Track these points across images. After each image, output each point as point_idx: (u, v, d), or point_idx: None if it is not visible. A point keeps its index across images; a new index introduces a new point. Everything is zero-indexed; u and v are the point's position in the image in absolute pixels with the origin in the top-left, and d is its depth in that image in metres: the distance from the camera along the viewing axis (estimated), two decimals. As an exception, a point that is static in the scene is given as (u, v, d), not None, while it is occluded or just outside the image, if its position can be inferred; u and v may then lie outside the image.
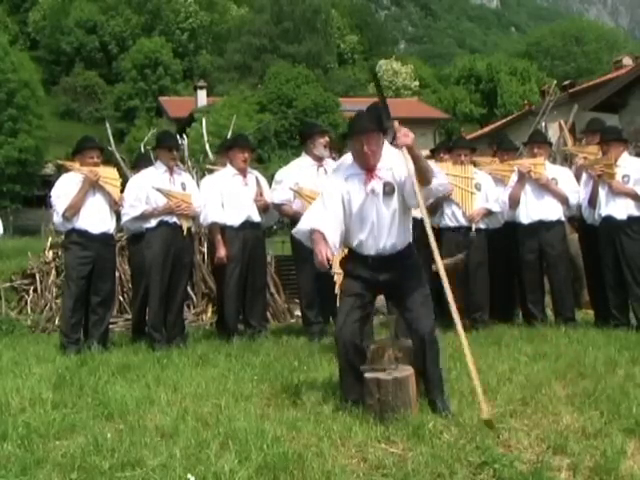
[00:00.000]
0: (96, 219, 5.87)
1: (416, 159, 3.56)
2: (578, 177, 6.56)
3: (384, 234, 3.69)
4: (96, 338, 5.81)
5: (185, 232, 6.06)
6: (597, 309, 6.52)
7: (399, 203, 3.71)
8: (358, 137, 3.67)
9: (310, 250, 5.88)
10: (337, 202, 3.74)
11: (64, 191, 5.88)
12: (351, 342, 3.69)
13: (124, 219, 6.20)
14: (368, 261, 3.74)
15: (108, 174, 6.01)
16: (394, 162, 3.70)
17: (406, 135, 3.53)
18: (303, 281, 6.32)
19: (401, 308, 3.78)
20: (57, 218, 5.88)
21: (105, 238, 5.95)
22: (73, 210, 5.81)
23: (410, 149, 3.55)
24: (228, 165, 6.51)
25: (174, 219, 6.01)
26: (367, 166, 3.71)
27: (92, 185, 5.87)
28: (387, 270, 3.73)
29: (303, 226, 3.81)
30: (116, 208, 6.05)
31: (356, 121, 3.76)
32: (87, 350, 5.58)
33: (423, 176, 3.59)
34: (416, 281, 3.75)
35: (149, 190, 5.99)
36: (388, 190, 3.67)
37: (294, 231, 3.90)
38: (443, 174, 3.76)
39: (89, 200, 5.87)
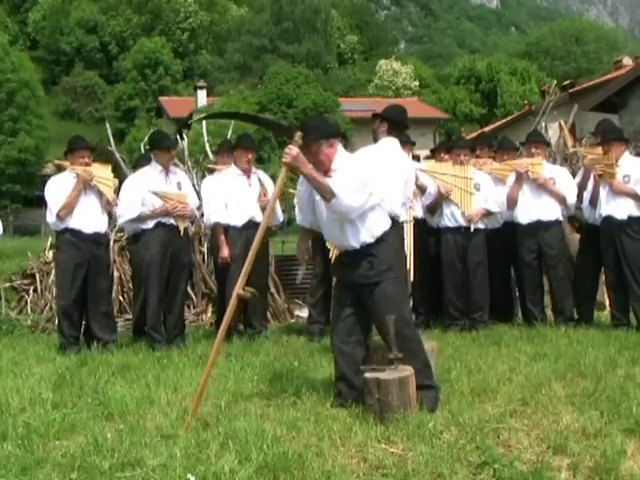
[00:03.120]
0: (89, 219, 5.87)
1: (306, 178, 3.71)
2: (587, 178, 6.48)
3: (337, 229, 3.79)
4: (110, 342, 5.85)
5: (182, 232, 6.06)
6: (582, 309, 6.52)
7: None
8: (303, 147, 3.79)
9: (319, 250, 5.94)
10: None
11: (58, 190, 5.88)
12: (340, 349, 3.81)
13: (120, 220, 6.21)
14: (340, 258, 3.90)
15: (101, 174, 6.00)
16: (342, 166, 3.76)
17: (287, 154, 3.62)
18: (313, 281, 6.44)
19: (371, 315, 3.80)
20: (51, 217, 5.87)
21: (98, 238, 5.96)
22: (67, 209, 5.80)
23: (294, 168, 3.65)
24: (232, 165, 6.52)
25: (171, 220, 6.00)
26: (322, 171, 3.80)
27: (86, 184, 5.86)
28: (356, 267, 3.77)
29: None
30: (109, 208, 6.05)
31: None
32: (87, 350, 5.59)
33: (320, 194, 3.71)
34: (386, 285, 3.75)
35: (145, 192, 5.98)
36: None
37: None
38: (349, 196, 3.67)
39: (82, 200, 5.87)
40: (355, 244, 3.76)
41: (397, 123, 4.74)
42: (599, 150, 6.46)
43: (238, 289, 3.70)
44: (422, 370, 3.69)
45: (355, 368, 3.73)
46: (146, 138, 10.00)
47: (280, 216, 6.80)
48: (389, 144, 4.71)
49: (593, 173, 6.31)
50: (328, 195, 3.64)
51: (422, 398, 3.57)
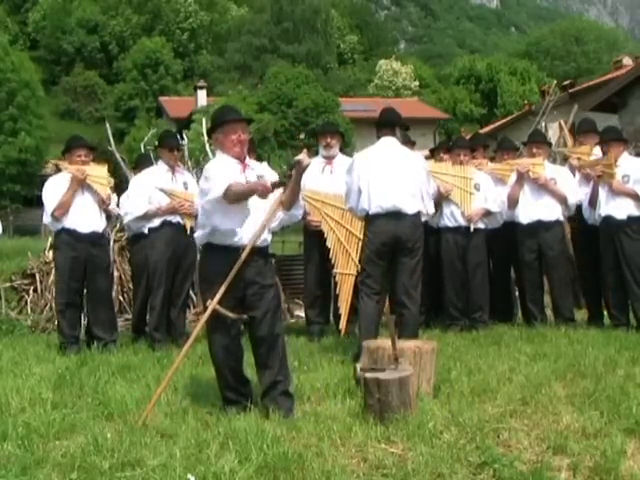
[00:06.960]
0: (85, 218, 5.84)
1: (298, 182, 3.73)
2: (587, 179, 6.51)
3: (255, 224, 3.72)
4: (110, 342, 5.83)
5: (188, 231, 6.07)
6: (591, 309, 6.57)
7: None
8: (234, 125, 3.77)
9: (317, 250, 5.99)
10: None
11: (54, 191, 5.86)
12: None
13: (127, 218, 6.22)
14: (239, 253, 3.69)
15: (97, 172, 5.97)
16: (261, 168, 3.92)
17: (305, 158, 3.66)
18: (307, 280, 6.40)
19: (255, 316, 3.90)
20: (46, 218, 5.88)
21: (95, 237, 5.91)
22: (62, 209, 5.78)
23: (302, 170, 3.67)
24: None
25: (177, 219, 6.04)
26: (241, 155, 3.79)
27: (80, 184, 5.83)
28: (257, 264, 3.77)
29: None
30: (105, 207, 6.04)
31: (232, 111, 3.93)
32: (87, 350, 5.59)
33: (289, 200, 3.75)
34: (274, 290, 3.89)
35: (152, 190, 6.00)
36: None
37: (195, 236, 3.94)
38: (301, 209, 4.09)
39: (78, 199, 5.84)
40: (267, 239, 3.85)
41: (379, 123, 5.22)
42: (582, 149, 6.60)
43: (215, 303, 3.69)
44: (291, 377, 3.82)
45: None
46: (146, 138, 10.01)
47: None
48: (381, 143, 5.16)
49: (592, 173, 6.31)
50: (294, 204, 3.81)
51: (281, 404, 3.65)
